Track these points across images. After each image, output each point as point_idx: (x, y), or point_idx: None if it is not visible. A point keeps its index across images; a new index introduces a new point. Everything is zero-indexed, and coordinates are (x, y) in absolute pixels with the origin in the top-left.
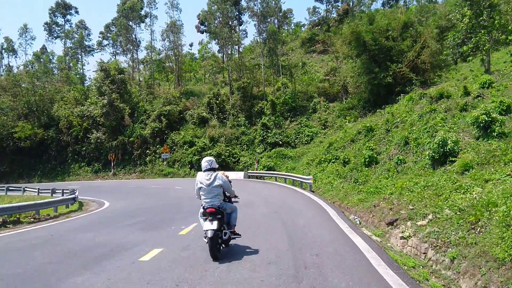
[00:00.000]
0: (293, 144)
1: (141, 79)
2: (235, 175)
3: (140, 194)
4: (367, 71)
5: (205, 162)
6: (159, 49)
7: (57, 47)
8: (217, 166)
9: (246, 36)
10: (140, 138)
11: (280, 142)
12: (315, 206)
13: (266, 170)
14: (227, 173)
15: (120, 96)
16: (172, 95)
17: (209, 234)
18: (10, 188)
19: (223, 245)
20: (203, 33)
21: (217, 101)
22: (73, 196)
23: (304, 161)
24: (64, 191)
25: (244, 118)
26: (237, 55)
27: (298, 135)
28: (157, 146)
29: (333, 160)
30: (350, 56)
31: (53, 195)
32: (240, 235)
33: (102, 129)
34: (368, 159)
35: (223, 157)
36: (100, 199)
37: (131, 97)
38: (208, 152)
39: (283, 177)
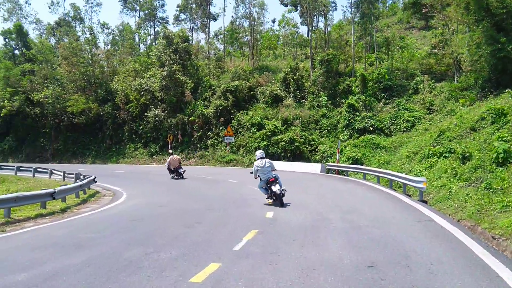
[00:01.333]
0: (387, 131)
1: (212, 52)
2: (309, 168)
3: (176, 190)
4: (490, 42)
5: (260, 153)
6: (234, 17)
7: (131, 20)
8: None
9: (335, 9)
10: (201, 117)
11: (371, 128)
12: (453, 247)
13: (351, 163)
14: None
15: (183, 68)
16: (242, 69)
17: (278, 191)
18: (38, 169)
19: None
20: (286, 5)
21: (295, 77)
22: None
23: (403, 153)
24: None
25: (326, 97)
26: (322, 26)
27: (395, 120)
28: (220, 128)
29: (446, 154)
30: (466, 23)
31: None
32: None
33: (161, 106)
34: (502, 155)
35: (296, 143)
36: (125, 191)
37: (196, 71)
38: (280, 137)
39: (375, 175)
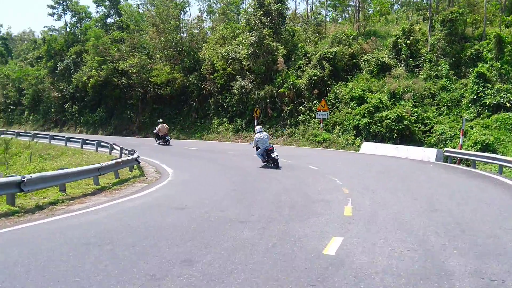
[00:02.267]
0: None
1: (312, 18)
2: (420, 153)
3: (232, 178)
4: None
5: (259, 127)
6: None
7: None
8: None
9: None
10: (293, 89)
11: (508, 104)
12: None
13: (478, 150)
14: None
15: (274, 33)
16: (344, 34)
17: (277, 157)
18: (101, 143)
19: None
20: None
21: (408, 41)
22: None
23: None
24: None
25: (447, 66)
26: None
27: None
28: (314, 102)
29: None
30: None
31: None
32: None
33: (249, 77)
34: None
35: (406, 122)
36: (172, 176)
37: (292, 37)
38: (385, 113)
39: None
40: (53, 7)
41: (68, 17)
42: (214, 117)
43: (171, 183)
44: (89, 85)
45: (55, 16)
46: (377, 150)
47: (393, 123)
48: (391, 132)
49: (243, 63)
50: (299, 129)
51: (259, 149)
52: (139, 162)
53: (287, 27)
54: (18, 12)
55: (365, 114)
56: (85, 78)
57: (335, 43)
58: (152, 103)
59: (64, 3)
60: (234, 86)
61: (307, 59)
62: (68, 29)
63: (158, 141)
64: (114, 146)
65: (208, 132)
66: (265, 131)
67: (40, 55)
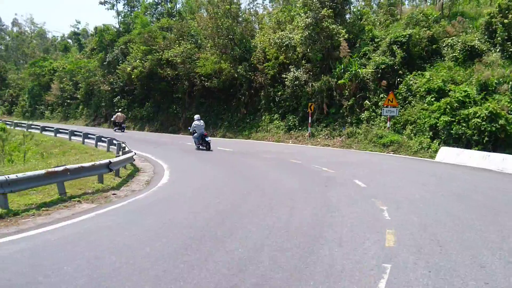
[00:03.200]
0: None
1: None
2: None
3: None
4: None
5: (197, 116)
6: None
7: None
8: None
9: None
10: (355, 80)
11: None
12: None
13: None
14: None
15: (336, 15)
16: (422, 13)
17: (209, 141)
18: (102, 138)
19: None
20: None
21: (506, 21)
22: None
23: None
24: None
25: None
26: None
27: None
28: (381, 96)
29: None
30: None
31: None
32: None
33: (304, 66)
34: None
35: (501, 121)
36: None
37: (359, 20)
38: (473, 110)
39: None
40: None
41: (120, 6)
42: (265, 113)
43: (134, 205)
44: (133, 76)
45: (107, 5)
46: (459, 158)
47: (484, 122)
48: (480, 134)
49: (297, 49)
50: (360, 129)
51: (195, 134)
52: (109, 170)
53: (353, 8)
54: (95, 8)
55: (446, 111)
56: (129, 69)
57: (410, 24)
58: (199, 97)
59: None
60: (287, 77)
61: (375, 45)
62: (119, 19)
63: (115, 128)
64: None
65: (257, 130)
66: (201, 120)
67: (93, 47)
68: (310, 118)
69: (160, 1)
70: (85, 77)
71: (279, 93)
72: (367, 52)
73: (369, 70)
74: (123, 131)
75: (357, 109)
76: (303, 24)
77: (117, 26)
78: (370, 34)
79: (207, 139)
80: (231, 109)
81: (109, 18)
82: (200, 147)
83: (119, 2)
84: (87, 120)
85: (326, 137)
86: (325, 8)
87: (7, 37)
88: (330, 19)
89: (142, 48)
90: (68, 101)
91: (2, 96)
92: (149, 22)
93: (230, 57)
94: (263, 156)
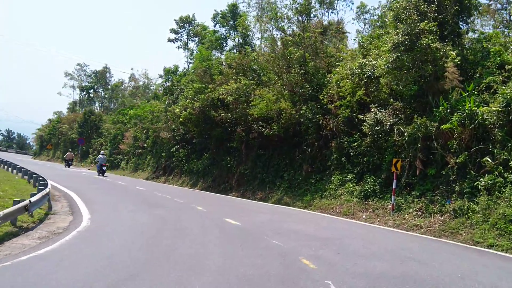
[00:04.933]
0: None
1: None
2: None
3: None
4: None
5: (102, 153)
6: None
7: None
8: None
9: None
10: (469, 124)
11: None
12: None
13: None
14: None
15: (442, 27)
16: None
17: (104, 169)
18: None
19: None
20: None
21: None
22: None
23: None
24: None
25: None
26: None
27: None
28: None
29: None
30: None
31: None
32: None
33: (392, 105)
34: None
35: None
36: None
37: (477, 41)
38: None
39: None
40: (175, 32)
41: (192, 44)
42: (335, 172)
43: None
44: (181, 119)
45: (178, 43)
46: None
47: None
48: None
49: (381, 81)
50: (477, 204)
51: (98, 164)
52: None
53: (471, 26)
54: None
55: None
56: (178, 110)
57: None
58: (258, 147)
59: (188, 27)
60: (366, 119)
61: (506, 75)
62: (187, 56)
63: (65, 164)
64: None
65: (322, 195)
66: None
67: (164, 91)
68: (395, 182)
69: (225, 37)
70: (152, 123)
71: (355, 144)
72: (491, 83)
73: (494, 108)
74: (69, 167)
75: (472, 171)
76: (390, 44)
77: (186, 65)
78: (497, 59)
79: (104, 168)
80: (294, 165)
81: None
82: (99, 174)
83: (193, 40)
84: (150, 172)
85: (419, 213)
86: (426, 19)
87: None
88: (432, 36)
89: (195, 86)
90: (139, 150)
91: (92, 145)
92: (211, 56)
93: (296, 95)
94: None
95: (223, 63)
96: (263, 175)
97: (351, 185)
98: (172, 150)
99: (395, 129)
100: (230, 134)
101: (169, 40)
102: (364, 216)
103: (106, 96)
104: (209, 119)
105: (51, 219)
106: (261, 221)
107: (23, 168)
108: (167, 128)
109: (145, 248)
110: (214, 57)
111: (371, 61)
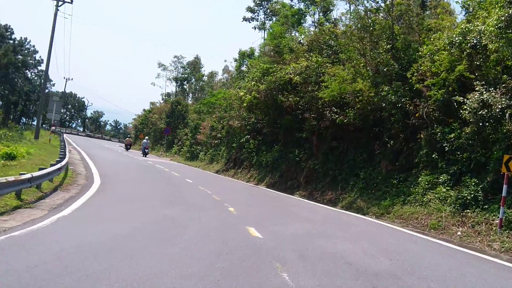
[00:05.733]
0: None
1: None
2: None
3: None
4: None
5: (146, 138)
6: None
7: None
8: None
9: None
10: None
11: None
12: None
13: None
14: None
15: None
16: None
17: (147, 152)
18: None
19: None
20: None
21: None
22: None
23: None
24: None
25: None
26: None
27: None
28: None
29: None
30: None
31: None
32: None
33: (504, 82)
34: None
35: None
36: None
37: None
38: None
39: None
40: (252, 11)
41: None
42: (424, 172)
43: None
44: (245, 104)
45: (253, 23)
46: None
47: None
48: None
49: (490, 46)
50: None
51: (142, 146)
52: None
53: None
54: None
55: None
56: (241, 93)
57: None
58: (330, 139)
59: (266, 4)
60: (467, 102)
61: None
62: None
63: (125, 148)
64: None
65: (405, 201)
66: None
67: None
68: (506, 187)
69: (308, 9)
70: (225, 111)
71: (452, 135)
72: None
73: None
74: (128, 150)
75: None
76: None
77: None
78: None
79: (146, 151)
80: (372, 161)
81: None
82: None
83: (271, 19)
84: (223, 164)
85: None
86: None
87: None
88: None
89: (263, 66)
90: (216, 141)
91: (177, 135)
92: (284, 33)
93: (379, 76)
94: None
95: (298, 40)
96: (335, 172)
97: (444, 190)
98: (242, 140)
99: (508, 115)
100: (301, 123)
101: (245, 19)
102: (459, 233)
103: (196, 87)
104: (277, 105)
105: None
106: (295, 234)
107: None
108: (238, 116)
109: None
110: (288, 34)
111: (478, 25)
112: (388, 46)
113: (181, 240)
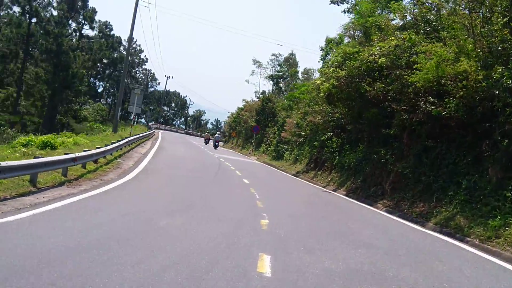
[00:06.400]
0: None
1: None
2: None
3: None
4: None
5: (218, 133)
6: None
7: None
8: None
9: None
10: None
11: None
12: None
13: None
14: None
15: None
16: None
17: (218, 145)
18: None
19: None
20: None
21: None
22: None
23: None
24: None
25: None
26: None
27: None
28: None
29: None
30: None
31: None
32: None
33: None
34: None
35: None
36: None
37: None
38: None
39: None
40: None
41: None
42: None
43: None
44: (321, 93)
45: (343, 5)
46: None
47: None
48: None
49: None
50: None
51: (213, 140)
52: None
53: None
54: None
55: None
56: (318, 81)
57: None
58: (425, 136)
59: None
60: None
61: None
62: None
63: (204, 142)
64: None
65: None
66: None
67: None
68: None
69: None
70: (309, 106)
71: None
72: None
73: None
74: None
75: None
76: None
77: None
78: None
79: (217, 144)
80: (479, 166)
81: None
82: (215, 148)
83: None
84: (304, 165)
85: None
86: None
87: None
88: None
89: (345, 49)
90: (301, 139)
91: (266, 133)
92: (375, 10)
93: (491, 55)
94: None
95: (389, 18)
96: (430, 179)
97: None
98: (323, 138)
99: None
100: (389, 117)
101: (332, 1)
102: None
103: (289, 84)
104: (361, 95)
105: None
106: (330, 271)
107: None
108: (321, 111)
109: None
110: (379, 12)
111: None
112: (505, 19)
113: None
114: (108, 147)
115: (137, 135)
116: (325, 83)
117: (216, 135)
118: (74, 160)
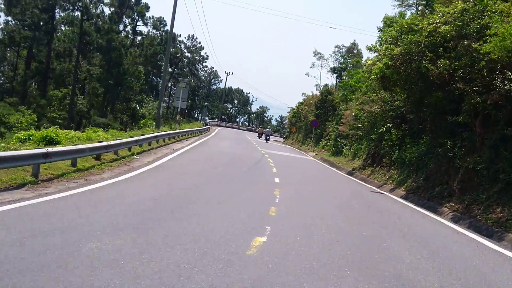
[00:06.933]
0: None
1: None
2: None
3: None
4: None
5: (269, 129)
6: None
7: None
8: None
9: None
10: None
11: None
12: None
13: None
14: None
15: None
16: None
17: (268, 138)
18: None
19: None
20: None
21: None
22: None
23: None
24: None
25: None
26: None
27: None
28: None
29: None
30: None
31: None
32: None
33: None
34: None
35: None
36: None
37: None
38: None
39: None
40: None
41: None
42: None
43: None
44: (373, 75)
45: None
46: None
47: None
48: None
49: None
50: None
51: (264, 134)
52: None
53: None
54: None
55: None
56: (370, 61)
57: None
58: (504, 124)
59: None
60: None
61: None
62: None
63: (258, 136)
64: None
65: None
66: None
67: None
68: None
69: None
70: (365, 95)
71: None
72: None
73: None
74: (260, 137)
75: None
76: None
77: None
78: None
79: (267, 137)
80: None
81: None
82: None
83: None
84: (362, 161)
85: None
86: None
87: None
88: None
89: (401, 21)
90: (360, 132)
91: (326, 128)
92: None
93: None
94: None
95: None
96: (510, 176)
97: None
98: (381, 130)
99: None
100: (457, 102)
101: None
102: None
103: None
104: (421, 76)
105: None
106: None
107: None
108: (379, 99)
109: None
110: None
111: None
112: None
113: None
114: (111, 142)
115: (175, 131)
116: (378, 63)
117: (267, 129)
118: (45, 156)
